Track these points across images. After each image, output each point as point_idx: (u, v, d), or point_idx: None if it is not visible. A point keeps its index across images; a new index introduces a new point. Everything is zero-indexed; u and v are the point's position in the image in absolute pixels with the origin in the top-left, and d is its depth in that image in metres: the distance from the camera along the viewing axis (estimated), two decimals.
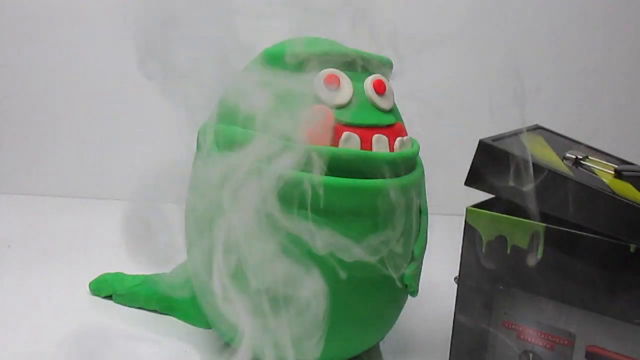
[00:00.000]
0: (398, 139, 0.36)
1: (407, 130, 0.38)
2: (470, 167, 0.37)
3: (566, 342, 0.34)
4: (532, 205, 0.34)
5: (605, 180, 0.36)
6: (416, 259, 0.38)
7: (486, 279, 0.36)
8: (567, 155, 0.39)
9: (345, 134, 0.33)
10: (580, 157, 0.38)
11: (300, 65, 0.35)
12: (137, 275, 0.51)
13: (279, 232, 0.33)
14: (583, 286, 0.33)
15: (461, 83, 0.80)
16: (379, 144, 0.34)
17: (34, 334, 0.44)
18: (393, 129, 0.36)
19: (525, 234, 0.34)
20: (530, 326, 0.35)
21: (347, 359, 0.39)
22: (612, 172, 0.38)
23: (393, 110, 0.37)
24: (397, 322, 0.41)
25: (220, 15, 0.35)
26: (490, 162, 0.36)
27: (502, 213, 0.35)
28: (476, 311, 0.37)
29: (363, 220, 0.34)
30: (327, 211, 0.33)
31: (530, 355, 0.36)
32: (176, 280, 0.48)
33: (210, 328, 0.45)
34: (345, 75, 0.35)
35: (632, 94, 0.85)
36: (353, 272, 0.34)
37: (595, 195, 0.32)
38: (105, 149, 0.88)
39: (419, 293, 0.39)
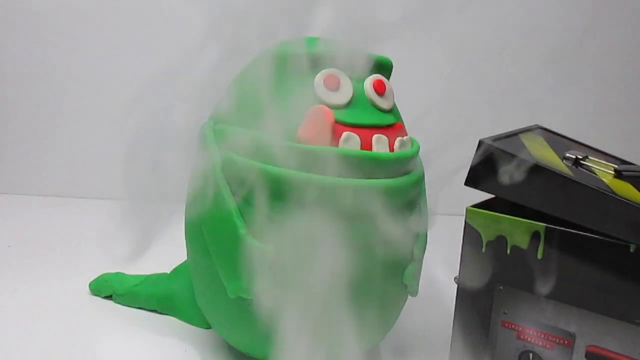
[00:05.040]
0: (398, 139, 0.36)
1: (407, 130, 0.38)
2: (470, 167, 0.37)
3: (566, 342, 0.34)
4: (531, 205, 0.34)
5: (605, 180, 0.36)
6: (416, 259, 0.38)
7: (486, 279, 0.36)
8: (567, 155, 0.39)
9: (345, 134, 0.33)
10: (580, 157, 0.38)
11: (300, 66, 0.35)
12: (137, 275, 0.51)
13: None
14: (583, 286, 0.33)
15: (461, 82, 0.80)
16: (379, 144, 0.34)
17: (33, 334, 0.44)
18: (393, 129, 0.36)
19: (525, 234, 0.34)
20: (530, 326, 0.35)
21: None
22: (612, 172, 0.38)
23: (393, 110, 0.37)
24: (397, 322, 0.41)
25: None
26: (490, 162, 0.36)
27: (502, 213, 0.35)
28: (476, 311, 0.37)
29: (363, 220, 0.33)
30: (326, 211, 0.32)
31: (530, 355, 0.36)
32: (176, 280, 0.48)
33: (210, 328, 0.45)
34: (345, 75, 0.35)
35: (633, 93, 0.85)
36: (353, 272, 0.34)
37: (595, 195, 0.32)
38: (105, 149, 0.88)
39: (419, 293, 0.39)
